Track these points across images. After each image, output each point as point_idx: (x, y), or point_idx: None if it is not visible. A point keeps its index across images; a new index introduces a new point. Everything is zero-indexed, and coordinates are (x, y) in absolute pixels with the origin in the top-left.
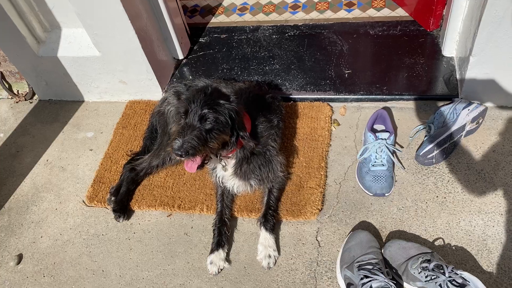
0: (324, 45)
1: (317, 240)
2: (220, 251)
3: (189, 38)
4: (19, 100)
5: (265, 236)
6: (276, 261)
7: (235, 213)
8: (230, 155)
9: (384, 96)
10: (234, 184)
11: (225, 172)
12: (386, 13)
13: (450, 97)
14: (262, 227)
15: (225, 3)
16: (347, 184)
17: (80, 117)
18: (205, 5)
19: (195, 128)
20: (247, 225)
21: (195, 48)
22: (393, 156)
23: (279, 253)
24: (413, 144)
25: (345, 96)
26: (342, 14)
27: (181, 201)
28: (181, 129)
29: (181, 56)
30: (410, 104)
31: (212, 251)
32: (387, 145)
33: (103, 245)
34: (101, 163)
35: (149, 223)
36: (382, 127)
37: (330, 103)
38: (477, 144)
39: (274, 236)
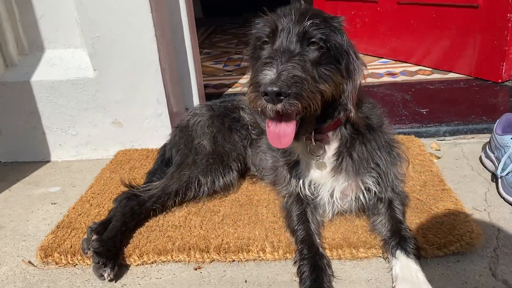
0: (380, 97)
1: (498, 280)
2: None
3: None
4: None
5: (407, 266)
6: None
7: (326, 250)
8: (329, 133)
9: (489, 125)
10: (334, 188)
11: (317, 168)
12: (436, 77)
13: None
14: (399, 252)
15: (241, 81)
16: (498, 210)
17: (41, 176)
18: (218, 84)
19: (294, 54)
20: (352, 270)
21: None
22: None
23: None
24: None
25: (436, 128)
26: (387, 79)
27: (222, 240)
28: (270, 57)
29: None
30: None
31: None
32: None
33: None
34: (73, 207)
35: (159, 282)
36: None
37: (417, 137)
38: None
39: (421, 264)
